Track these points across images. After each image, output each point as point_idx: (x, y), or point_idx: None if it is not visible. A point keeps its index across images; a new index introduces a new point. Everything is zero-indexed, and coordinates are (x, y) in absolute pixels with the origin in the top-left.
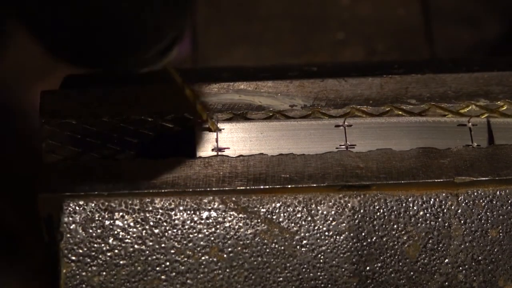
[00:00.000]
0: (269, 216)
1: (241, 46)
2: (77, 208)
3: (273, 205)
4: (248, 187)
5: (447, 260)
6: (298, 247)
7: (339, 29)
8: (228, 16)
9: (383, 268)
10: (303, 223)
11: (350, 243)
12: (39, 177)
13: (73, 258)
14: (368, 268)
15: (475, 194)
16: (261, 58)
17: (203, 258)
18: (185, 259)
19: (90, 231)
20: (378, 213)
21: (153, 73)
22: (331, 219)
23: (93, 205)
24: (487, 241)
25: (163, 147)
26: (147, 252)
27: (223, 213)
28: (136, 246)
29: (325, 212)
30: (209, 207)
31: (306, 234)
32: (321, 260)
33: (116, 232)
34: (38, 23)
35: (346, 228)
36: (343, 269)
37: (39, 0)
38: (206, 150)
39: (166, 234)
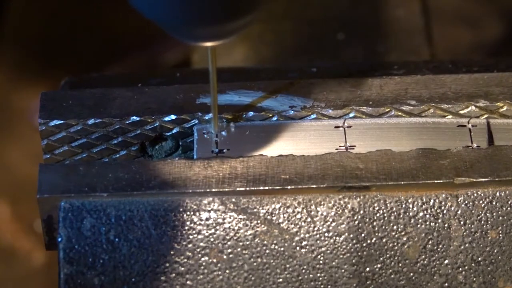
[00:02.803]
0: (268, 217)
1: (241, 47)
2: (76, 209)
3: (273, 206)
4: (247, 188)
5: (447, 261)
6: (297, 248)
7: (339, 29)
8: None
9: (382, 269)
10: (303, 224)
11: (350, 244)
12: (38, 178)
13: (73, 258)
14: (367, 269)
15: (475, 195)
16: (261, 59)
17: (202, 259)
18: (185, 260)
19: (90, 232)
20: (378, 214)
21: (153, 74)
22: (330, 220)
23: (93, 206)
24: (487, 242)
25: (163, 147)
26: (147, 253)
27: (223, 214)
28: (135, 247)
29: (324, 213)
30: (209, 208)
31: (306, 235)
32: (321, 261)
33: (116, 233)
34: None
35: (346, 229)
36: (343, 270)
37: None
38: (206, 151)
39: (166, 235)
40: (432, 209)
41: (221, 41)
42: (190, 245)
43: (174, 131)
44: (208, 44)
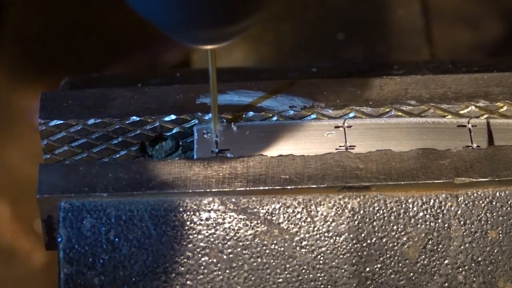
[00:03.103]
0: (268, 217)
1: (241, 47)
2: (76, 209)
3: (273, 206)
4: (247, 188)
5: (446, 261)
6: (297, 248)
7: (339, 29)
8: None
9: (382, 269)
10: (303, 224)
11: (350, 244)
12: (38, 178)
13: (73, 259)
14: (367, 269)
15: (475, 195)
16: (261, 58)
17: (202, 259)
18: (185, 260)
19: (90, 232)
20: (378, 214)
21: (153, 74)
22: (330, 220)
23: (92, 206)
24: (487, 242)
25: (163, 147)
26: (147, 253)
27: (223, 214)
28: (135, 247)
29: (324, 213)
30: (209, 208)
31: (306, 235)
32: (321, 261)
33: (115, 233)
34: None
35: (346, 229)
36: (343, 270)
37: None
38: (206, 151)
39: (166, 235)
40: (432, 209)
41: (222, 44)
42: (190, 245)
43: (174, 131)
44: (208, 47)
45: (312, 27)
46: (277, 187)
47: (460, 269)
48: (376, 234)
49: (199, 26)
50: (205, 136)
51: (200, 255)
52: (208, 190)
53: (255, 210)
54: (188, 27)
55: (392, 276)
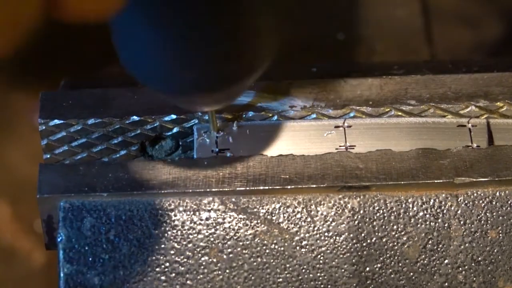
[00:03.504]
0: (268, 217)
1: None
2: (76, 208)
3: (273, 205)
4: (247, 188)
5: (446, 260)
6: (297, 247)
7: (339, 29)
8: None
9: (382, 269)
10: (303, 223)
11: (350, 244)
12: (38, 178)
13: (73, 258)
14: (367, 268)
15: (475, 195)
16: None
17: (202, 258)
18: (185, 259)
19: (90, 231)
20: (378, 214)
21: None
22: (330, 219)
23: (92, 206)
24: (487, 242)
25: (163, 147)
26: (147, 253)
27: (223, 214)
28: (135, 247)
29: (324, 213)
30: (209, 208)
31: (306, 235)
32: (321, 261)
33: (115, 233)
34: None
35: (346, 228)
36: (343, 270)
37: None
38: (206, 151)
39: (166, 235)
40: (432, 209)
41: (219, 106)
42: (190, 245)
43: (174, 131)
44: (207, 109)
45: (312, 27)
46: (277, 187)
47: (460, 268)
48: (376, 233)
49: (196, 92)
50: (205, 135)
51: (200, 255)
52: (208, 190)
53: (255, 209)
54: (186, 94)
55: (392, 275)
